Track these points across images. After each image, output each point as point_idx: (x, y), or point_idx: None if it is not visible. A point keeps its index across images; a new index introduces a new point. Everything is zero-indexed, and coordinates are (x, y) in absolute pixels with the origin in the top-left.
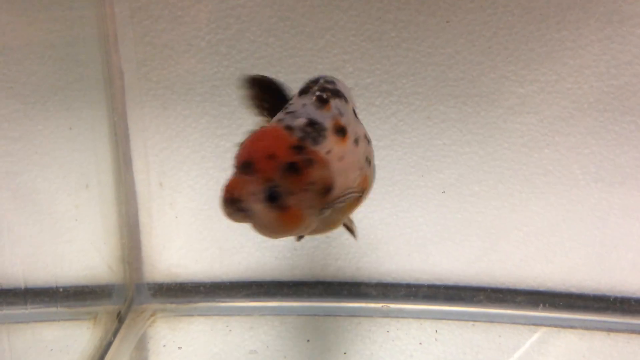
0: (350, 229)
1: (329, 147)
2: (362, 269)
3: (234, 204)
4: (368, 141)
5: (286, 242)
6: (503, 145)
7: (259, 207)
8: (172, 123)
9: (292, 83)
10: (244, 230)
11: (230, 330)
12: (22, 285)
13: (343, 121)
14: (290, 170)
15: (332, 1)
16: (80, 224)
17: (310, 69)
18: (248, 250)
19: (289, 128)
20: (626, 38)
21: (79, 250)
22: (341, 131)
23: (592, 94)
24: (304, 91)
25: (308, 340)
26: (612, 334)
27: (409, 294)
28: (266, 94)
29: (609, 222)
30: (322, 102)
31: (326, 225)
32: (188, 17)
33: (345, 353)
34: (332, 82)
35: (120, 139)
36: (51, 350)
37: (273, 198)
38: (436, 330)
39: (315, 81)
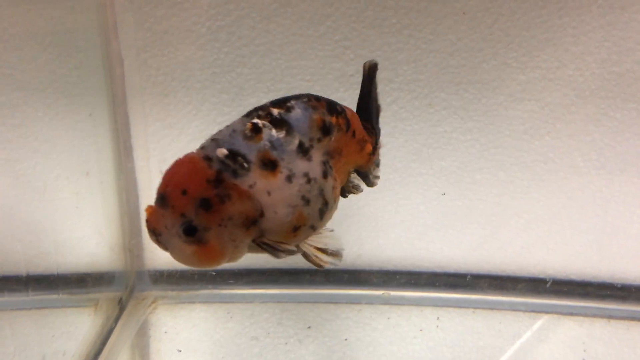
0: (313, 262)
1: (253, 180)
2: (363, 257)
3: (153, 234)
4: (309, 179)
5: None
6: (504, 132)
7: (174, 241)
8: (172, 110)
9: (294, 70)
10: None
11: (231, 317)
12: (24, 272)
13: (274, 155)
14: (203, 207)
15: None
16: (81, 212)
17: (311, 56)
18: None
19: (208, 159)
20: (628, 24)
21: (80, 237)
22: (270, 165)
23: (594, 80)
24: (248, 114)
25: (309, 327)
26: (613, 321)
27: (409, 281)
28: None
29: (609, 210)
30: (255, 132)
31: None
32: (188, 4)
33: (346, 339)
34: (290, 107)
35: (120, 126)
36: (53, 336)
37: (189, 232)
38: (437, 317)
39: (278, 102)
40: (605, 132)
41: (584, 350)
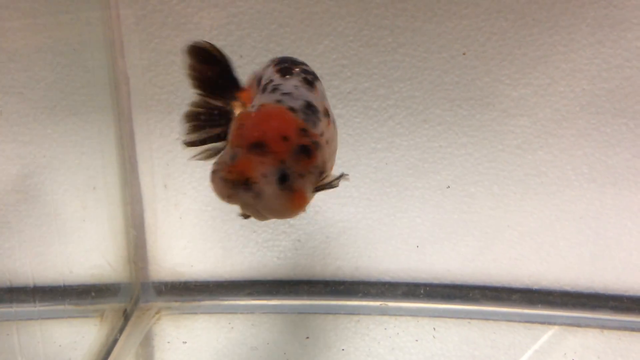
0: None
1: (322, 130)
2: (361, 268)
3: (242, 185)
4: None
5: (287, 242)
6: (497, 147)
7: (270, 189)
8: (176, 126)
9: None
10: (246, 231)
11: (232, 327)
12: (32, 284)
13: (326, 104)
14: (303, 153)
15: (331, 8)
16: (87, 225)
17: None
18: (250, 250)
19: (293, 110)
20: (617, 42)
21: (87, 249)
22: (327, 115)
23: (584, 96)
24: (286, 71)
25: (308, 338)
26: (606, 331)
27: (406, 293)
28: (206, 66)
29: (601, 222)
30: (310, 85)
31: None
32: (191, 24)
33: (343, 350)
34: (305, 64)
35: (126, 142)
36: (59, 346)
37: (283, 180)
38: (433, 328)
39: (291, 61)
40: (596, 147)
41: None
